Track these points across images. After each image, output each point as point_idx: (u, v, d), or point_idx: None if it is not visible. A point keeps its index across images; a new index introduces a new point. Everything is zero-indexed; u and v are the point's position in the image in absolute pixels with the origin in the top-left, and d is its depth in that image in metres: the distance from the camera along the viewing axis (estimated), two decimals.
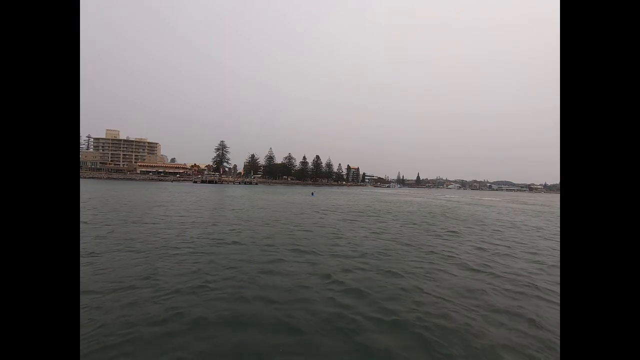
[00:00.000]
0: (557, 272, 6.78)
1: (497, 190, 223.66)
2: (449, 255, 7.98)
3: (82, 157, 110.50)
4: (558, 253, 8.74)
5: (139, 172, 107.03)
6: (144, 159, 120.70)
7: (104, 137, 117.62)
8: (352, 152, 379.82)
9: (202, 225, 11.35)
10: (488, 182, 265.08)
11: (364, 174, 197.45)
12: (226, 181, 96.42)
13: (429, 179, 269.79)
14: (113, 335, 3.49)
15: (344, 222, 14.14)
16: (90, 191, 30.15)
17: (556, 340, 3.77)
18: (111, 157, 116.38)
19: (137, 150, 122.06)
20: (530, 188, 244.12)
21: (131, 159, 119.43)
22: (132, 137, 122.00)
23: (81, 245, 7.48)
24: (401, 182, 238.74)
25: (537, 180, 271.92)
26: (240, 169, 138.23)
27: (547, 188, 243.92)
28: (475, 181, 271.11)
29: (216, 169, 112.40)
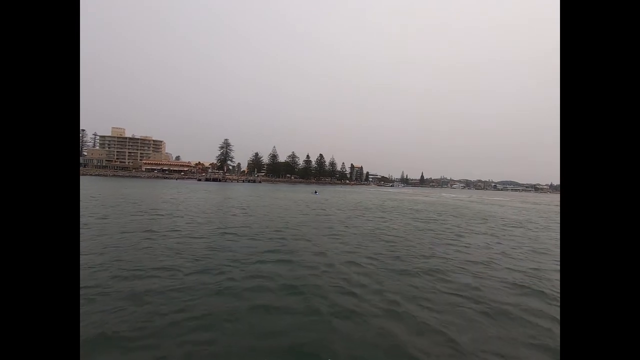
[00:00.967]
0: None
1: (502, 190, 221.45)
2: None
3: (88, 154, 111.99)
4: None
5: (144, 169, 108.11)
6: (149, 157, 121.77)
7: (110, 135, 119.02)
8: (354, 152, 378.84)
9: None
10: (493, 182, 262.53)
11: (367, 173, 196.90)
12: (230, 179, 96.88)
13: (432, 178, 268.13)
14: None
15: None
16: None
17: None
18: (117, 155, 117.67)
19: (142, 148, 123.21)
20: (535, 188, 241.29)
21: (136, 156, 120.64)
22: (137, 135, 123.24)
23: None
24: (405, 181, 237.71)
25: (543, 181, 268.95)
26: (243, 167, 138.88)
27: (553, 188, 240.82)
28: (480, 181, 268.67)
29: (220, 167, 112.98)
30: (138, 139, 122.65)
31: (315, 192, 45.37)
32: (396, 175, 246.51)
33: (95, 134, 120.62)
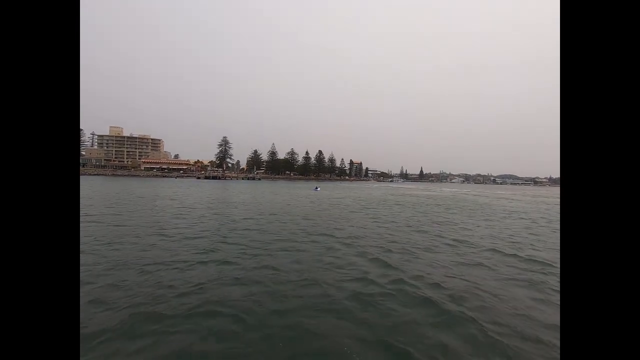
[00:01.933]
0: None
1: (501, 184, 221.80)
2: None
3: (87, 154, 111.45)
4: None
5: (143, 168, 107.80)
6: (148, 156, 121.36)
7: (107, 134, 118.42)
8: (354, 148, 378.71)
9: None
10: (492, 176, 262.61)
11: (367, 168, 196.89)
12: (229, 177, 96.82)
13: (432, 173, 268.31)
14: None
15: None
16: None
17: None
18: (115, 154, 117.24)
19: (140, 146, 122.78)
20: (535, 181, 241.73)
21: (135, 155, 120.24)
22: (136, 134, 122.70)
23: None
24: (404, 176, 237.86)
25: (542, 174, 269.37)
26: (242, 164, 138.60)
27: (552, 181, 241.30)
28: (479, 175, 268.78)
29: (219, 165, 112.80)
30: (136, 137, 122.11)
31: (316, 188, 45.03)
32: (395, 171, 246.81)
33: (93, 134, 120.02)
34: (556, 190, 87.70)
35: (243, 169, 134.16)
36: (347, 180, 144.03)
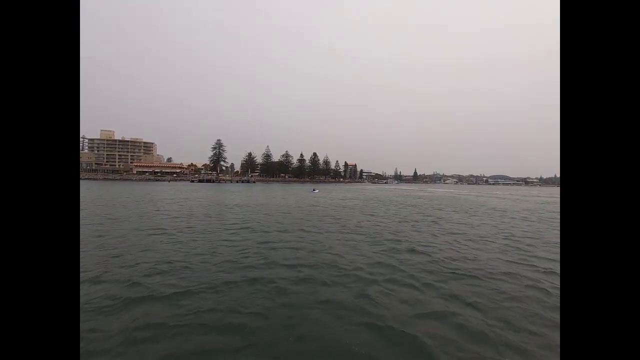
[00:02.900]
0: None
1: (494, 184, 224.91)
2: None
3: None
4: None
5: (135, 172, 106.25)
6: (140, 159, 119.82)
7: (98, 137, 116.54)
8: (348, 150, 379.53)
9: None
10: (485, 177, 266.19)
11: (361, 170, 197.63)
12: (224, 180, 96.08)
13: (426, 174, 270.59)
14: None
15: None
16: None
17: None
18: (106, 158, 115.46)
19: (132, 150, 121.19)
20: (526, 182, 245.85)
21: (127, 159, 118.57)
22: (127, 137, 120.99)
23: None
24: (398, 178, 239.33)
25: (532, 174, 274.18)
26: (236, 167, 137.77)
27: (543, 182, 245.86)
28: (472, 176, 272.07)
29: (213, 168, 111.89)
30: (128, 141, 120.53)
31: (314, 190, 45.71)
32: (389, 172, 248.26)
33: (83, 137, 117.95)
34: (546, 190, 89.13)
35: (237, 172, 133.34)
36: (342, 182, 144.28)
